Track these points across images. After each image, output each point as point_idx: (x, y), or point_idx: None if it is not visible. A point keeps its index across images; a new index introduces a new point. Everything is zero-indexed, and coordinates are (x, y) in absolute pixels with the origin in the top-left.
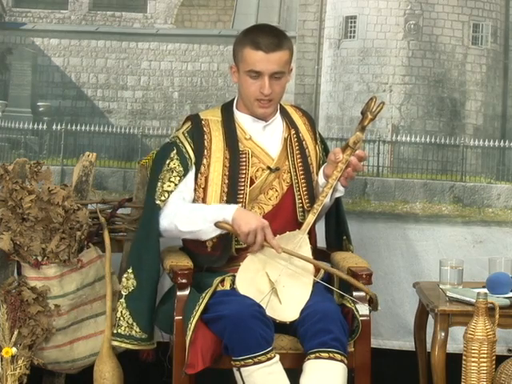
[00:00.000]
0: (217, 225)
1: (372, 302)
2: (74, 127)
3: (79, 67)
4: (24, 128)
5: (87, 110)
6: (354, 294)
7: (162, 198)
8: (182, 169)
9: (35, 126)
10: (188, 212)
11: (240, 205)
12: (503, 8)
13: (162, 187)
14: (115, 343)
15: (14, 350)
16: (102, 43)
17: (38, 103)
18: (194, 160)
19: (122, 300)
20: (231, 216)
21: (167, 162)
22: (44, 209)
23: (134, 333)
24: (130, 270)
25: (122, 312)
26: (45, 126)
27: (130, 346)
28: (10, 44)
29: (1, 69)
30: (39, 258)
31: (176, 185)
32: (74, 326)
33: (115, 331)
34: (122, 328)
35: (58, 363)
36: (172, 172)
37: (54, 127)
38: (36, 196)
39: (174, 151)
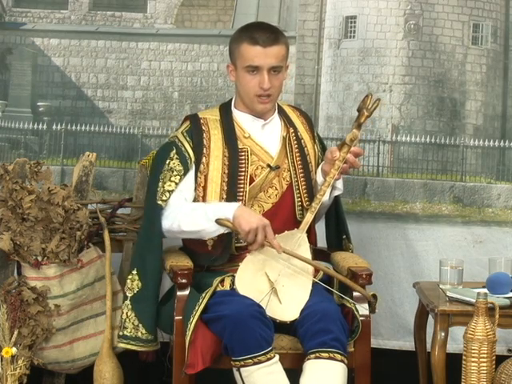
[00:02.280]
0: (218, 222)
1: (370, 305)
2: (74, 127)
3: (79, 67)
4: (24, 128)
5: (87, 110)
6: (354, 294)
7: (164, 198)
8: (181, 168)
9: (35, 126)
10: (190, 211)
11: (240, 203)
12: (503, 8)
13: (163, 187)
14: (121, 345)
15: (14, 350)
16: (101, 43)
17: (38, 103)
18: (193, 159)
19: (128, 302)
20: (232, 214)
21: (167, 161)
22: (44, 209)
23: (139, 334)
24: (134, 272)
25: (127, 314)
26: (45, 126)
27: (136, 348)
28: (10, 44)
29: (1, 69)
30: (39, 258)
31: (177, 184)
32: (74, 326)
33: (121, 333)
34: (128, 330)
35: (57, 363)
36: (172, 171)
37: (54, 127)
38: (36, 196)
39: (174, 151)
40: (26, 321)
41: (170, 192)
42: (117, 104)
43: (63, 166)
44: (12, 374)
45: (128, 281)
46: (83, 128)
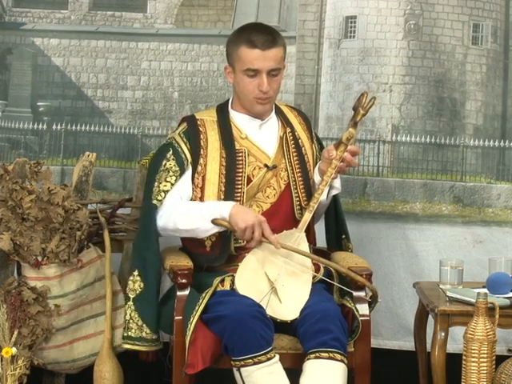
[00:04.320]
0: (214, 222)
1: (372, 297)
2: (74, 127)
3: (79, 67)
4: (24, 128)
5: (87, 110)
6: (354, 294)
7: (159, 198)
8: (178, 169)
9: (35, 126)
10: (185, 210)
11: (236, 202)
12: (503, 8)
13: (159, 187)
14: (127, 346)
15: (13, 350)
16: (101, 43)
17: (38, 103)
18: (190, 160)
19: (130, 303)
20: (228, 212)
21: (163, 162)
22: (44, 209)
23: (144, 334)
24: (135, 273)
25: (131, 315)
26: (45, 126)
27: (142, 349)
28: (10, 44)
29: (1, 69)
30: (39, 258)
31: (172, 184)
32: (74, 326)
33: (125, 334)
34: (133, 331)
35: (57, 363)
36: (168, 172)
37: (54, 127)
38: (36, 196)
39: (170, 152)
40: (26, 321)
41: (166, 192)
42: (117, 104)
43: (63, 166)
44: (12, 373)
45: (130, 282)
46: (83, 128)
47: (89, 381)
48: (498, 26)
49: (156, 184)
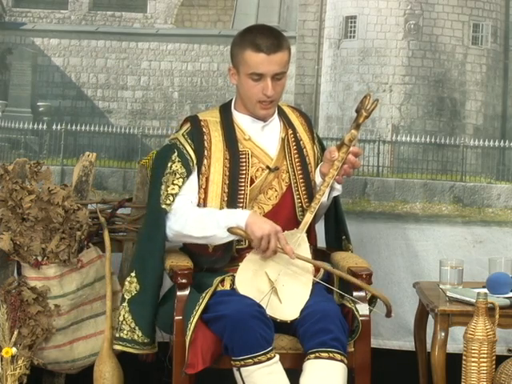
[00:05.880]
0: (230, 230)
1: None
2: (74, 127)
3: (79, 67)
4: (24, 128)
5: (87, 110)
6: (354, 293)
7: (168, 202)
8: (184, 170)
9: (35, 126)
10: (200, 217)
11: (252, 210)
12: (503, 8)
13: (167, 191)
14: (118, 347)
15: (13, 350)
16: (101, 43)
17: (38, 103)
18: (195, 161)
19: (125, 304)
20: (244, 221)
21: (169, 164)
22: (44, 209)
23: (136, 337)
24: (133, 274)
25: (124, 316)
26: (45, 126)
27: (132, 351)
28: (10, 44)
29: (1, 69)
30: (39, 258)
31: (180, 187)
32: (74, 326)
33: (117, 335)
34: (125, 332)
35: (57, 363)
36: (175, 174)
37: (54, 127)
38: (36, 196)
39: (175, 153)
40: (26, 321)
41: (174, 195)
42: (117, 104)
43: (63, 166)
44: (12, 373)
45: (126, 283)
46: (83, 128)
47: (89, 381)
48: (498, 26)
49: (163, 187)
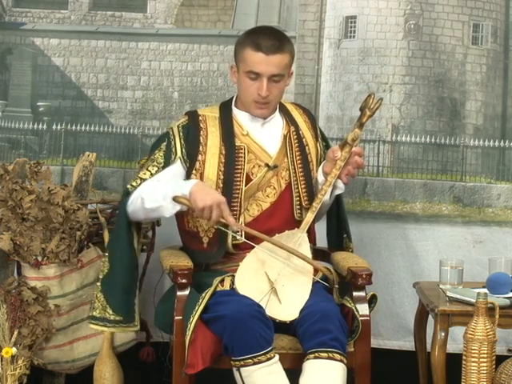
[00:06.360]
0: (175, 199)
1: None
2: (74, 127)
3: (79, 67)
4: (24, 128)
5: (87, 110)
6: (354, 294)
7: (134, 184)
8: (162, 161)
9: (35, 126)
10: (153, 190)
11: (198, 180)
12: (503, 8)
13: (139, 173)
14: (92, 326)
15: (13, 350)
16: (101, 43)
17: (38, 103)
18: (179, 155)
19: (99, 283)
20: (189, 190)
21: (155, 151)
22: (44, 209)
23: (107, 315)
24: (106, 254)
25: (97, 295)
26: (45, 126)
27: (105, 329)
28: (10, 44)
29: (1, 69)
30: (39, 258)
31: (152, 175)
32: (74, 326)
33: (91, 314)
34: (97, 311)
35: (57, 363)
36: (153, 161)
37: (54, 127)
38: (36, 196)
39: (165, 143)
40: (26, 321)
41: (142, 180)
42: (117, 104)
43: (63, 166)
44: (12, 373)
45: (101, 263)
46: (83, 128)
47: (89, 381)
48: (498, 26)
49: (141, 171)
